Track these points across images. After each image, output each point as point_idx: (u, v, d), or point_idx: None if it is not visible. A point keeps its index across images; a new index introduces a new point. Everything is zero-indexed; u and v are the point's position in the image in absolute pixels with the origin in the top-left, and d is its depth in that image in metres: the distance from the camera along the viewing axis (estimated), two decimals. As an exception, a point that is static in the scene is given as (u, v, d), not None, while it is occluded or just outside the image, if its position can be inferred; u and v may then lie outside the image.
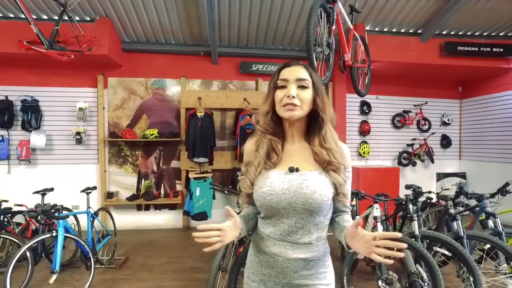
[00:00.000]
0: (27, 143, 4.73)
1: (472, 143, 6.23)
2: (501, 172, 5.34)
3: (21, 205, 4.17)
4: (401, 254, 0.84)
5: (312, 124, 1.18)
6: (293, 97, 1.09)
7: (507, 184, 2.95)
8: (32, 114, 4.76)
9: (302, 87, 1.12)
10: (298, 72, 1.13)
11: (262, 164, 1.14)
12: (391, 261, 0.89)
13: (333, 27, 2.87)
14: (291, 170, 1.11)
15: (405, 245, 0.85)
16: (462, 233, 2.63)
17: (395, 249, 0.85)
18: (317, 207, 1.06)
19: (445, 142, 6.34)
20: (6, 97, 4.75)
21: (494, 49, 5.01)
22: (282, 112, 1.13)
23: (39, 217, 2.78)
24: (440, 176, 6.37)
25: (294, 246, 1.10)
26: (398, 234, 0.88)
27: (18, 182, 4.80)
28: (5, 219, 3.86)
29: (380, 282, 2.59)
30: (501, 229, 2.65)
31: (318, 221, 1.11)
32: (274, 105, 1.16)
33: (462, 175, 6.39)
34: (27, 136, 4.77)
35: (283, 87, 1.13)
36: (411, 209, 2.77)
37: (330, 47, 2.87)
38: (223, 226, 1.01)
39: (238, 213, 3.23)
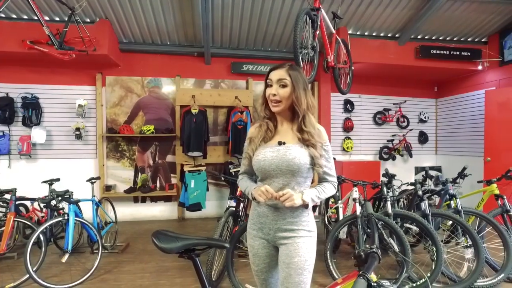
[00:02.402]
0: (28, 138, 4.93)
1: (446, 139, 6.74)
2: (470, 164, 5.79)
3: (22, 197, 4.39)
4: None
5: (295, 113, 1.54)
6: (274, 95, 1.48)
7: (464, 169, 3.40)
8: (32, 110, 4.97)
9: (282, 85, 1.49)
10: (279, 74, 1.50)
11: (262, 137, 1.53)
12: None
13: (317, 32, 3.25)
14: (279, 143, 1.49)
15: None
16: (428, 211, 3.04)
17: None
18: (297, 169, 1.43)
19: (423, 138, 6.83)
20: (7, 94, 4.94)
21: (462, 53, 5.52)
22: (270, 107, 1.53)
23: (51, 202, 3.05)
24: (418, 170, 6.86)
25: None
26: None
27: (19, 175, 5.00)
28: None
29: (358, 255, 2.97)
30: (460, 208, 3.08)
31: (299, 180, 1.48)
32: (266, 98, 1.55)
33: (438, 169, 6.90)
34: (27, 131, 4.97)
35: (270, 85, 1.52)
36: (385, 191, 3.18)
37: (315, 50, 3.25)
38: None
39: (231, 198, 3.53)
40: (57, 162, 5.14)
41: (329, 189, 1.52)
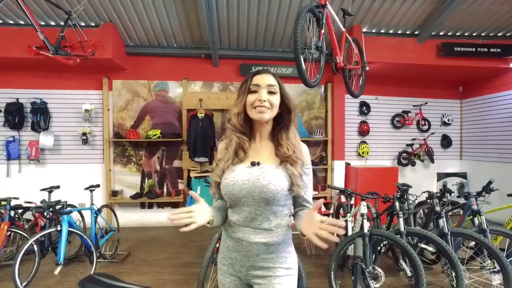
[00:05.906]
0: (36, 143, 4.96)
1: (473, 143, 6.22)
2: (501, 172, 5.34)
3: (30, 202, 4.39)
4: (336, 239, 0.97)
5: (277, 125, 1.33)
6: (264, 100, 1.24)
7: (490, 182, 3.00)
8: (41, 115, 4.99)
9: (272, 92, 1.27)
10: (268, 79, 1.28)
11: (230, 160, 1.29)
12: (326, 245, 1.00)
13: (322, 31, 2.98)
14: (253, 164, 1.26)
15: (342, 231, 0.97)
16: (447, 230, 2.70)
17: (335, 234, 0.97)
18: (272, 196, 1.19)
19: (446, 142, 6.34)
20: (17, 99, 4.99)
21: (491, 50, 5.03)
22: (253, 114, 1.27)
23: (45, 212, 2.97)
24: (441, 176, 6.38)
25: (255, 231, 1.23)
26: (343, 223, 1.00)
27: (28, 180, 5.04)
28: (16, 216, 4.09)
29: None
30: (485, 227, 2.71)
31: (276, 209, 1.24)
32: (245, 107, 1.30)
33: (463, 175, 6.39)
34: (36, 136, 5.00)
35: (255, 91, 1.27)
36: (397, 207, 2.86)
37: (320, 50, 2.99)
38: (191, 208, 1.13)
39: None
40: (64, 167, 5.15)
41: None
